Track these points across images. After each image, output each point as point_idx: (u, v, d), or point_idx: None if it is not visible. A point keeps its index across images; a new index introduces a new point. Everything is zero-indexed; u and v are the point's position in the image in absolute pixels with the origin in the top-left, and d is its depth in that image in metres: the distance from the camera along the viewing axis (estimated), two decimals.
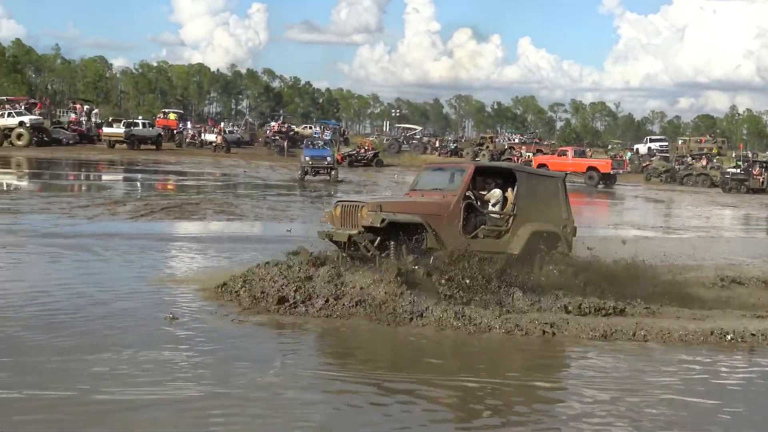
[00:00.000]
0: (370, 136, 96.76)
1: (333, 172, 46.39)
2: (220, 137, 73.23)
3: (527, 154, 70.88)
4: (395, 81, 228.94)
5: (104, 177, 45.31)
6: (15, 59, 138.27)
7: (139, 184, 40.83)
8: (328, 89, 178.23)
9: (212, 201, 29.54)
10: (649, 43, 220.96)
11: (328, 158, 46.77)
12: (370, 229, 12.72)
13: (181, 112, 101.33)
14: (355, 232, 12.89)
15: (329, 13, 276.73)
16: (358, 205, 13.20)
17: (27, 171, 45.88)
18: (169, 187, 39.45)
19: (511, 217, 13.56)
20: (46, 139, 64.96)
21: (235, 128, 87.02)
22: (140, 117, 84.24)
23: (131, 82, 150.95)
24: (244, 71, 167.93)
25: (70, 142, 67.10)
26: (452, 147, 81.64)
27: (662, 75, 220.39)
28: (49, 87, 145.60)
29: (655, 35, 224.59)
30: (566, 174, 15.22)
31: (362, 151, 63.79)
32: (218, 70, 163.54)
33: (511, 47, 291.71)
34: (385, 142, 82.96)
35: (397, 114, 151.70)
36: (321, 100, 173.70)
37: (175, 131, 75.82)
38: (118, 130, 67.71)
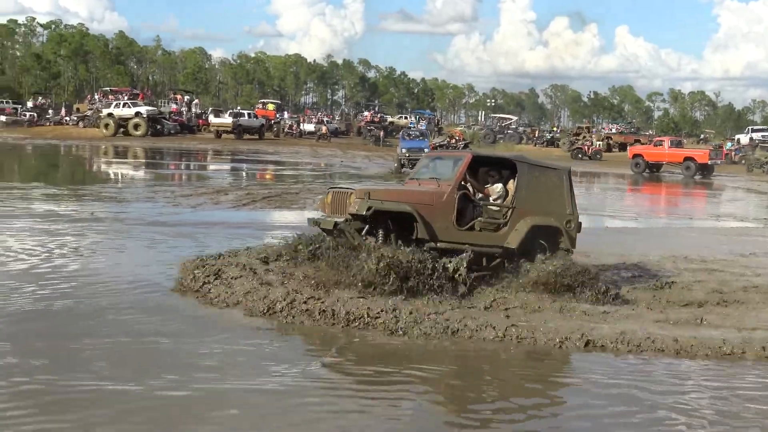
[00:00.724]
0: (460, 126, 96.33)
1: None
2: (324, 127, 74.10)
3: (598, 143, 69.90)
4: (490, 70, 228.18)
5: (211, 167, 46.12)
6: (118, 51, 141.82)
7: (243, 173, 41.61)
8: (423, 79, 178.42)
9: (311, 191, 29.94)
10: (750, 31, 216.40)
11: (425, 149, 42.56)
12: (358, 218, 12.21)
13: (279, 102, 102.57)
14: (341, 219, 12.46)
15: (424, 3, 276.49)
16: (347, 191, 12.65)
17: (143, 161, 47.11)
18: (268, 176, 40.05)
19: (510, 210, 12.83)
20: (158, 128, 66.76)
21: (330, 119, 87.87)
22: (238, 107, 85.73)
23: (229, 73, 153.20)
24: (340, 62, 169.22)
25: (171, 132, 68.59)
26: (548, 137, 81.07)
27: (764, 63, 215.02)
28: (150, 78, 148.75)
29: (756, 23, 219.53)
30: (570, 167, 13.96)
31: (453, 141, 63.55)
32: (314, 60, 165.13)
33: (608, 36, 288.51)
34: (480, 132, 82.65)
35: (492, 104, 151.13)
36: (416, 90, 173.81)
37: (272, 121, 76.82)
38: (226, 120, 69.19)
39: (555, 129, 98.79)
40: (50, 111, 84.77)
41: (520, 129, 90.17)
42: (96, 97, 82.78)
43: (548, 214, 12.95)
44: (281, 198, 26.82)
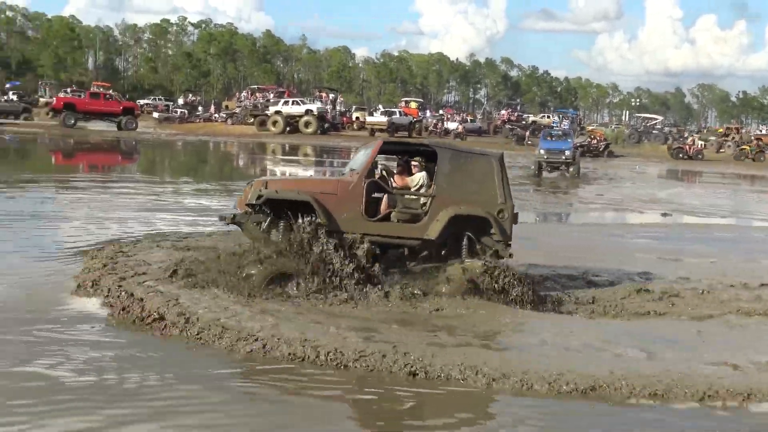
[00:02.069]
0: (602, 126, 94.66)
1: (572, 168, 40.75)
2: (461, 126, 74.00)
3: (700, 142, 67.36)
4: (635, 69, 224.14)
5: None
6: (265, 49, 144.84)
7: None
8: (566, 78, 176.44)
9: None
10: None
11: (567, 152, 40.90)
12: (253, 208, 11.81)
13: (421, 101, 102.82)
14: (241, 212, 12.04)
15: (568, 1, 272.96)
16: (251, 182, 12.21)
17: (313, 159, 48.01)
18: None
19: (430, 199, 11.97)
20: (326, 126, 67.77)
21: (472, 118, 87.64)
22: (380, 106, 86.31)
23: (373, 72, 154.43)
24: (482, 60, 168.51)
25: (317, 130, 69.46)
26: (708, 139, 78.96)
27: None
28: (296, 76, 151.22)
29: None
30: (502, 153, 12.80)
31: (594, 141, 62.53)
32: (457, 59, 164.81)
33: (758, 34, 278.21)
34: (625, 132, 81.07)
35: (637, 103, 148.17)
36: (559, 89, 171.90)
37: (415, 120, 77.04)
38: (381, 118, 69.77)
39: (702, 129, 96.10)
40: (200, 108, 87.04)
41: (666, 129, 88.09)
42: (243, 94, 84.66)
43: (475, 203, 12.00)
44: None
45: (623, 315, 11.78)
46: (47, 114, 71.49)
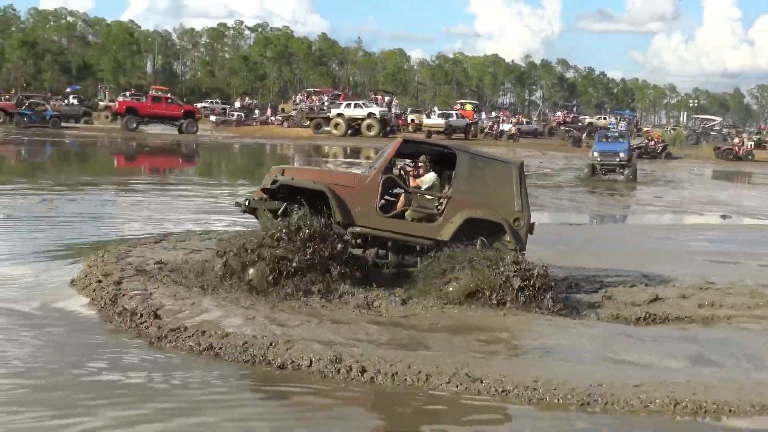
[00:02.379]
0: (660, 128, 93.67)
1: (627, 170, 39.10)
2: (514, 128, 73.74)
3: (749, 143, 66.11)
4: (692, 70, 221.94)
5: None
6: (320, 52, 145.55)
7: None
8: (622, 79, 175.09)
9: None
10: None
11: (621, 154, 39.38)
12: (267, 193, 11.80)
13: (477, 102, 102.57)
14: (257, 198, 12.00)
15: (624, 2, 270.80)
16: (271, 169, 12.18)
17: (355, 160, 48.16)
18: None
19: (446, 201, 11.90)
20: (388, 129, 67.79)
21: (528, 120, 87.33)
22: (435, 108, 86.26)
23: (428, 74, 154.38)
24: (538, 62, 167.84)
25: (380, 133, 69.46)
26: (755, 139, 77.75)
27: None
28: (351, 79, 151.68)
29: None
30: (522, 161, 12.79)
31: (651, 143, 61.85)
32: (512, 61, 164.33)
33: None
34: (683, 133, 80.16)
35: (695, 104, 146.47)
36: (615, 90, 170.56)
37: (471, 122, 76.90)
38: (438, 121, 69.72)
39: (763, 131, 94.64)
40: (256, 111, 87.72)
41: (725, 131, 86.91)
42: (299, 97, 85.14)
43: (490, 209, 11.89)
44: None
45: (680, 322, 11.56)
46: (106, 117, 72.60)
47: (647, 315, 11.66)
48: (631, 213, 28.69)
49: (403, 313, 10.70)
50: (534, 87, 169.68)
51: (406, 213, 12.01)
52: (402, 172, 12.83)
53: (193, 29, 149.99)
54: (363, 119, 65.91)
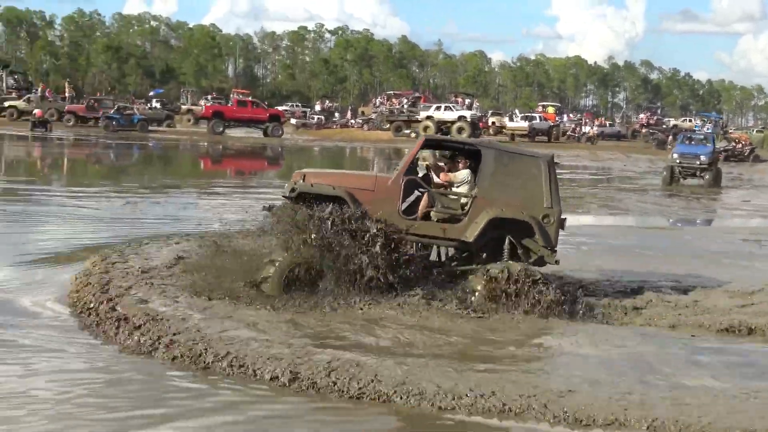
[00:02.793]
0: (746, 130, 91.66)
1: (708, 174, 36.62)
2: (592, 129, 73.09)
3: None
4: None
5: None
6: (400, 55, 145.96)
7: None
8: (708, 80, 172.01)
9: (594, 195, 29.52)
10: None
11: (702, 156, 36.90)
12: (288, 200, 11.69)
13: (558, 105, 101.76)
14: (278, 204, 11.92)
15: (709, 2, 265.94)
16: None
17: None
18: None
19: (471, 200, 11.58)
20: (478, 132, 67.63)
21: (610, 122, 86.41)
22: (515, 110, 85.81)
23: (509, 76, 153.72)
24: (621, 63, 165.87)
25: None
26: None
27: None
28: (431, 81, 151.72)
29: None
30: (552, 154, 12.24)
31: (738, 146, 60.51)
32: (595, 62, 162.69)
33: None
34: None
35: None
36: (701, 92, 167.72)
37: (552, 124, 76.35)
38: (522, 123, 69.43)
39: None
40: (336, 114, 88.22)
41: None
42: (379, 99, 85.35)
43: (518, 206, 11.46)
44: (564, 202, 26.50)
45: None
46: (188, 121, 73.72)
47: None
48: (718, 217, 28.16)
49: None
50: (617, 89, 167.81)
51: (432, 214, 11.74)
52: (429, 171, 12.53)
53: (273, 33, 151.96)
54: (453, 122, 65.48)
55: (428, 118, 66.38)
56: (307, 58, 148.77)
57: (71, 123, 62.03)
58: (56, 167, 36.24)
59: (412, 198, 12.15)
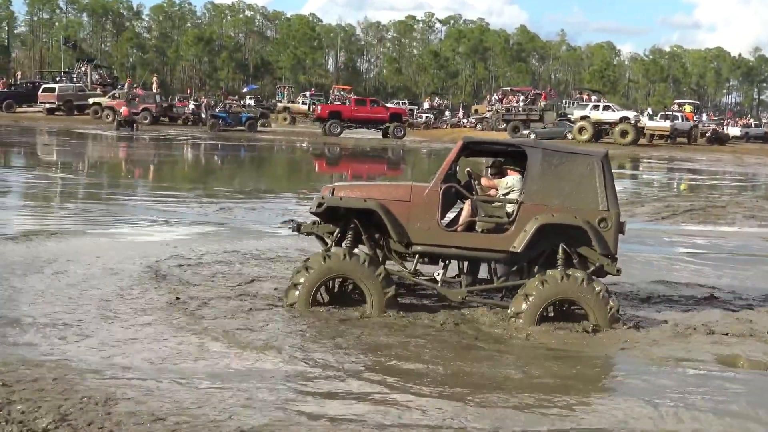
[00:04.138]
0: None
1: None
2: (727, 130, 71.97)
3: None
4: None
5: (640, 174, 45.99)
6: (519, 47, 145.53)
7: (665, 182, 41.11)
8: None
9: (739, 204, 28.95)
10: None
11: None
12: (317, 216, 11.61)
13: (697, 102, 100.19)
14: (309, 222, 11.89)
15: None
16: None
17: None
18: (683, 187, 39.27)
19: (518, 206, 11.27)
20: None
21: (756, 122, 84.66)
22: (649, 109, 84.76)
23: (640, 70, 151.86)
24: None
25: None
26: None
27: None
28: (553, 76, 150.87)
29: None
30: (606, 151, 11.83)
31: None
32: (739, 54, 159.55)
33: None
34: None
35: None
36: None
37: (692, 125, 75.21)
38: (663, 123, 68.58)
39: None
40: (447, 112, 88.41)
41: None
42: (495, 96, 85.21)
43: (570, 210, 11.17)
44: (705, 212, 26.11)
45: None
46: (284, 120, 74.82)
47: None
48: None
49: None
50: (764, 84, 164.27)
51: (476, 225, 11.58)
52: (471, 179, 12.34)
53: (378, 23, 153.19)
54: (614, 124, 64.65)
55: (583, 118, 65.63)
56: (415, 51, 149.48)
57: (147, 120, 63.42)
58: (199, 177, 36.67)
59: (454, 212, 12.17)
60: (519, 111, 71.16)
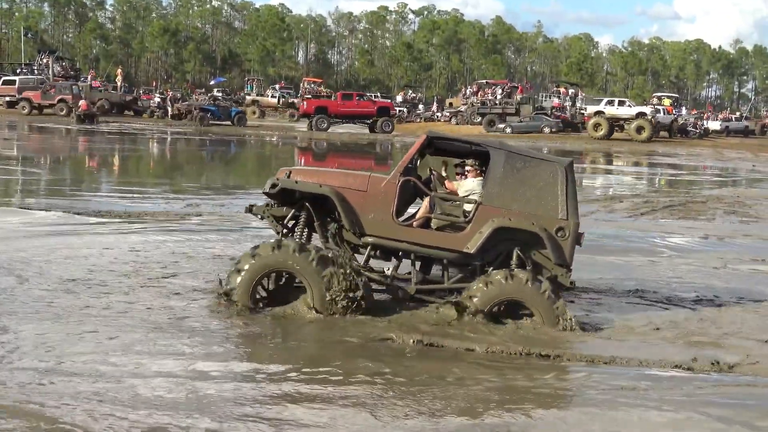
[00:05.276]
0: None
1: None
2: (707, 124, 72.52)
3: None
4: None
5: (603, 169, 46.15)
6: (494, 39, 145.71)
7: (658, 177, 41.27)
8: None
9: (720, 200, 29.05)
10: None
11: None
12: (270, 197, 11.74)
13: (676, 96, 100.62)
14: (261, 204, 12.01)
15: None
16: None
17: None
18: (663, 182, 39.43)
19: (475, 207, 11.33)
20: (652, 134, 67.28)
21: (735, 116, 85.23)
22: (628, 103, 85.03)
23: (619, 62, 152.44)
24: (749, 48, 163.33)
25: (553, 129, 68.86)
26: None
27: None
28: (529, 69, 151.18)
29: None
30: (571, 160, 11.85)
31: None
32: (719, 47, 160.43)
33: None
34: None
35: None
36: None
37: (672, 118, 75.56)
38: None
39: None
40: (420, 106, 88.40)
41: None
42: (469, 90, 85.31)
43: (529, 216, 11.23)
44: (686, 207, 26.18)
45: None
46: (253, 113, 74.61)
47: None
48: None
49: None
50: (745, 77, 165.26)
51: (432, 221, 11.62)
52: (433, 176, 12.35)
53: (350, 13, 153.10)
54: (630, 120, 64.55)
55: (598, 113, 65.52)
56: (388, 43, 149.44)
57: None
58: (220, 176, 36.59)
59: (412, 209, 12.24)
60: (495, 104, 71.24)
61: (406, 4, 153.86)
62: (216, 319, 10.67)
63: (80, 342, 9.37)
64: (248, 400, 7.95)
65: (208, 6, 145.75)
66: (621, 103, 66.85)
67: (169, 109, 66.99)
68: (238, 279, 10.88)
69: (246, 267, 10.85)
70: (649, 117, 64.13)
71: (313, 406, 7.93)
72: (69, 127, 54.89)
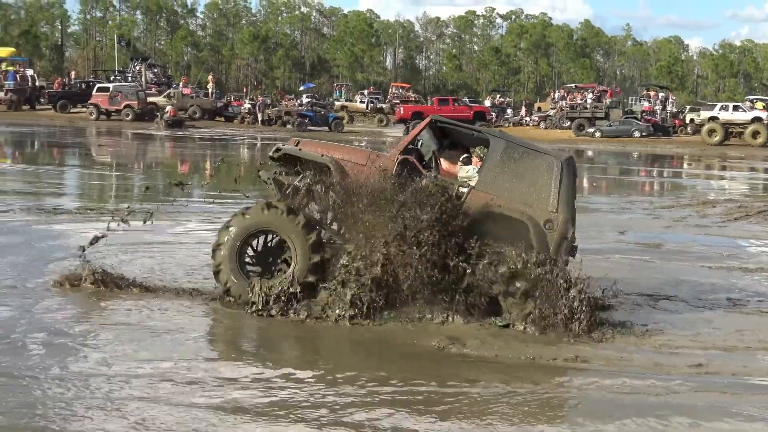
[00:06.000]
0: None
1: None
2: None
3: None
4: None
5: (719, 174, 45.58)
6: (583, 42, 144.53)
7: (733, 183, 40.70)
8: None
9: None
10: None
11: None
12: (275, 162, 12.31)
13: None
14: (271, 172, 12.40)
15: None
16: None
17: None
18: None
19: (467, 191, 11.55)
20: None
21: None
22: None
23: (710, 65, 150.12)
24: None
25: (643, 133, 68.02)
26: None
27: None
28: (618, 72, 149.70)
29: None
30: (571, 155, 12.06)
31: None
32: None
33: None
34: None
35: None
36: None
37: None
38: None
39: None
40: (509, 110, 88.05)
41: None
42: (558, 94, 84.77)
43: (518, 204, 11.43)
44: None
45: None
46: (342, 119, 75.01)
47: None
48: None
49: None
50: None
51: None
52: (434, 158, 12.78)
53: (438, 18, 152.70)
54: (745, 124, 63.69)
55: (712, 119, 64.74)
56: (476, 47, 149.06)
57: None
58: None
59: None
60: (584, 108, 70.73)
61: (493, 9, 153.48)
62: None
63: None
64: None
65: (297, 13, 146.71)
66: (736, 108, 65.56)
67: (259, 114, 67.63)
68: (221, 253, 11.62)
69: (225, 239, 11.60)
70: (765, 122, 62.84)
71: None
72: (159, 133, 55.66)
